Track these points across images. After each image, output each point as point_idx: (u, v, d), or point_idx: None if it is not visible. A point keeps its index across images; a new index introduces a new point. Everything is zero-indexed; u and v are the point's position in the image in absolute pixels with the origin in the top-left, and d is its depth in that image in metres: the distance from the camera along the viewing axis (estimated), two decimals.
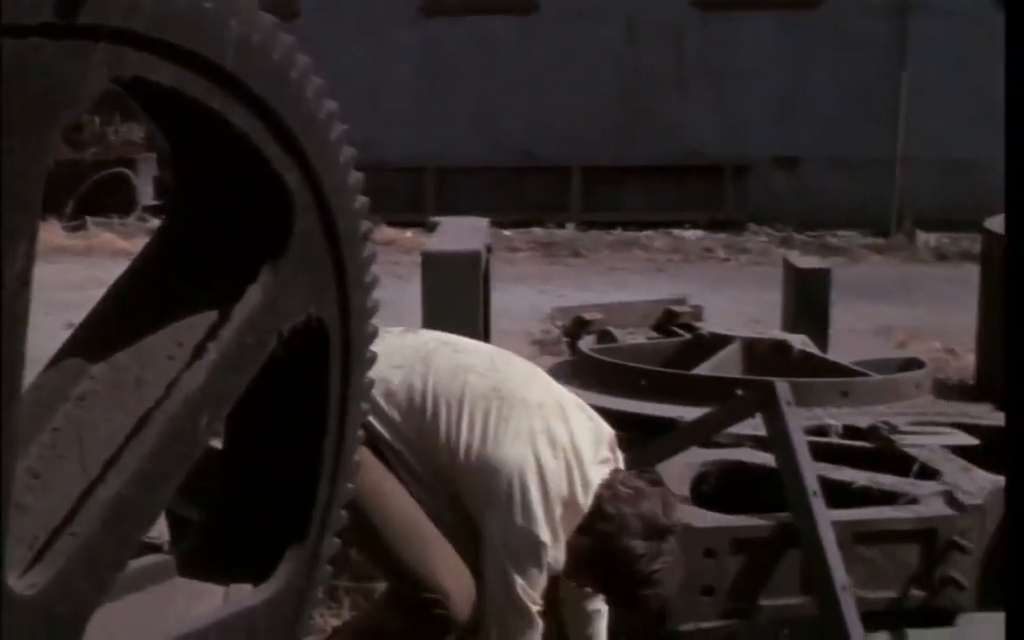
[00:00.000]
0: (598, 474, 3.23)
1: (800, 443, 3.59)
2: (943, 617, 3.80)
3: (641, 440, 4.68)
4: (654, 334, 7.31)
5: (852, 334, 8.75)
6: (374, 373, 2.61)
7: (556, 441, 3.18)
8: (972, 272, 7.33)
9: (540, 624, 3.14)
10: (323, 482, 2.07)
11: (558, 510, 3.11)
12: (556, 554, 3.14)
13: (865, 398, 5.44)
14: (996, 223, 7.04)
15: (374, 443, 3.12)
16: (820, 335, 7.13)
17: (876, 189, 14.52)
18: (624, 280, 11.44)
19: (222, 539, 2.12)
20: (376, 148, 13.93)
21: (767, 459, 3.89)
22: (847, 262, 12.97)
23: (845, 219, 14.55)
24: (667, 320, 7.32)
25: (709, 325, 7.09)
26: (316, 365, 1.94)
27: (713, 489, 4.08)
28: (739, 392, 4.38)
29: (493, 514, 3.09)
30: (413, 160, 14.98)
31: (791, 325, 7.38)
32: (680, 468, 4.06)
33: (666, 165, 15.24)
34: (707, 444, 4.20)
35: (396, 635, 3.17)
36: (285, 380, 1.90)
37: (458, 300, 4.55)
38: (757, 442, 4.18)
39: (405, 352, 3.30)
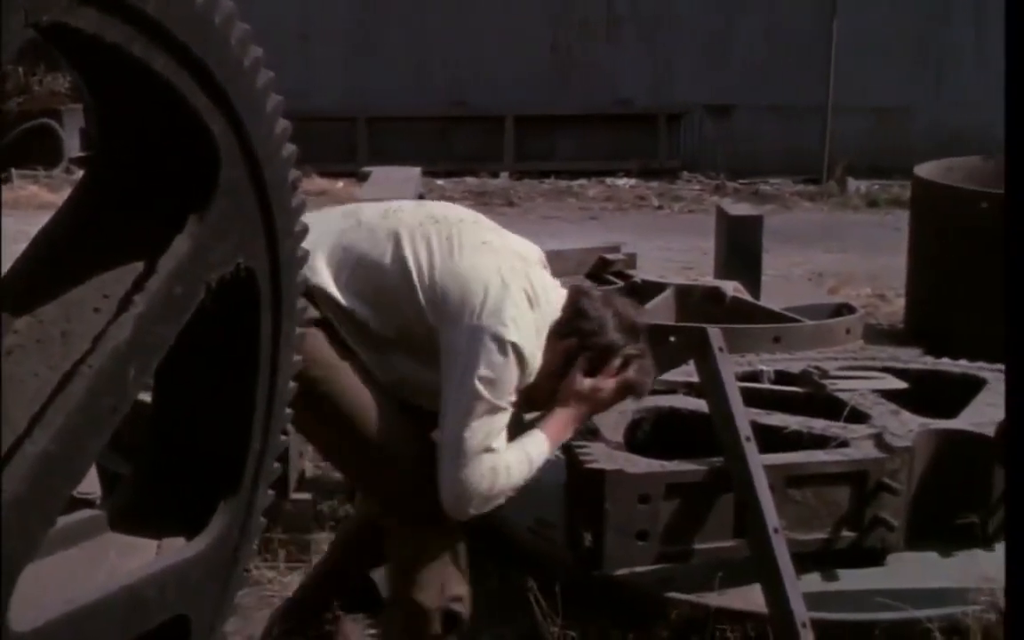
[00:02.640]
0: (554, 281, 3.33)
1: (732, 389, 3.62)
2: (873, 557, 3.86)
3: None
4: (588, 282, 7.32)
5: (784, 280, 8.83)
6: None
7: (508, 249, 3.27)
8: (902, 218, 7.44)
9: (498, 454, 3.12)
10: (256, 433, 2.06)
11: (528, 314, 3.13)
12: (529, 357, 3.12)
13: (797, 343, 5.51)
14: (925, 170, 7.13)
15: (328, 326, 3.13)
16: (753, 282, 7.19)
17: (808, 136, 14.59)
18: (558, 229, 11.43)
19: (154, 493, 2.11)
20: (306, 96, 13.79)
21: (700, 405, 3.92)
22: (779, 209, 13.06)
23: (777, 166, 14.63)
24: (601, 268, 7.33)
25: (642, 273, 7.13)
26: (246, 315, 1.92)
27: (647, 436, 4.11)
28: (672, 339, 4.40)
29: (457, 325, 3.08)
30: (344, 109, 14.84)
31: (724, 272, 7.43)
32: (614, 416, 4.07)
33: (599, 114, 15.22)
34: None
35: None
36: (215, 331, 1.89)
37: None
38: (690, 388, 4.22)
39: (330, 225, 3.26)
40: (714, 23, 15.37)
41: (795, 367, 4.69)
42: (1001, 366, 4.62)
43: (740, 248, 7.55)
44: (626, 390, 3.34)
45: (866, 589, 3.67)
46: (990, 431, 3.67)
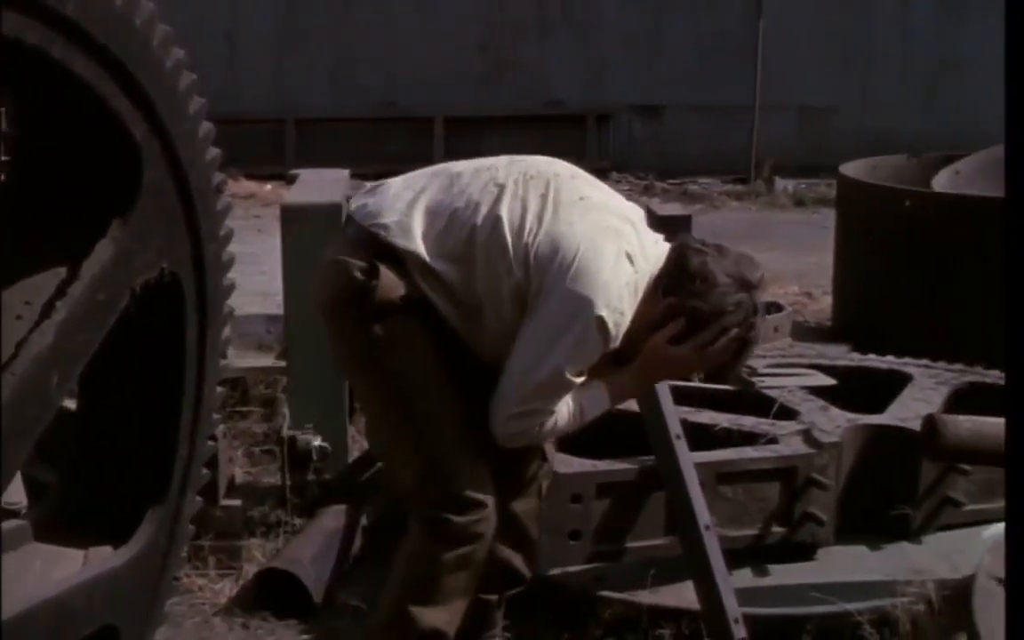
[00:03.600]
0: (655, 236, 3.09)
1: (663, 388, 3.64)
2: (803, 552, 3.90)
3: None
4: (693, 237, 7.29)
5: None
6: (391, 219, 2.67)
7: (604, 205, 3.04)
8: (829, 217, 7.50)
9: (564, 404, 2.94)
10: (182, 440, 2.04)
11: (621, 275, 2.91)
12: (614, 327, 2.89)
13: None
14: (850, 169, 7.21)
15: (415, 301, 2.93)
16: None
17: (735, 136, 14.70)
18: None
19: (80, 502, 2.08)
20: (233, 98, 13.67)
21: (631, 405, 3.93)
22: (708, 208, 13.14)
23: (705, 166, 14.72)
24: None
25: None
26: (171, 321, 1.90)
27: (579, 436, 4.11)
28: None
29: (547, 286, 2.88)
30: (272, 111, 14.72)
31: None
32: None
33: (529, 114, 15.24)
34: None
35: (444, 563, 3.01)
36: (140, 337, 1.86)
37: (319, 253, 4.48)
38: None
39: (419, 185, 3.08)
40: (643, 24, 15.44)
41: None
42: (926, 361, 4.69)
43: None
44: (708, 359, 3.05)
45: (797, 583, 3.70)
46: (916, 425, 3.72)
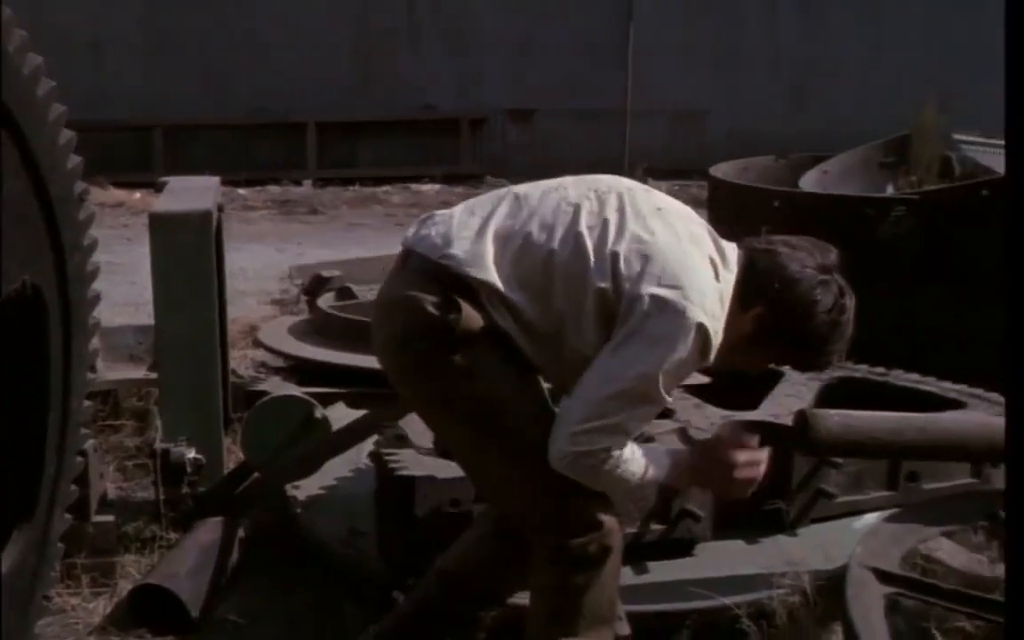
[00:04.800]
0: (731, 244, 2.96)
1: None
2: (682, 548, 3.93)
3: (384, 395, 4.67)
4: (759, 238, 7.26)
5: (401, 239, 8.85)
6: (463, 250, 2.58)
7: (684, 215, 2.96)
8: (702, 217, 7.58)
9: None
10: (49, 456, 1.98)
11: (713, 284, 2.82)
12: (713, 336, 2.79)
13: None
14: (721, 170, 7.31)
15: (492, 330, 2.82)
16: None
17: (608, 140, 14.84)
18: (363, 236, 11.36)
19: None
20: (100, 105, 13.39)
21: None
22: None
23: (579, 170, 14.69)
24: None
25: None
26: (34, 334, 1.84)
27: None
28: None
29: (637, 295, 2.75)
30: (140, 117, 14.44)
31: None
32: (421, 423, 4.06)
33: (402, 119, 15.20)
34: None
35: (575, 588, 2.92)
36: (1, 351, 1.81)
37: (189, 261, 4.42)
38: None
39: (484, 211, 2.95)
40: (515, 29, 15.50)
41: None
42: None
43: None
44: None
45: (676, 579, 3.73)
46: (789, 420, 3.77)
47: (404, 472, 3.59)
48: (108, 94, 14.02)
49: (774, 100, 15.35)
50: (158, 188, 5.14)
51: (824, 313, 2.87)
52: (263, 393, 4.88)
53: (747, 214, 6.54)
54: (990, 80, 15.56)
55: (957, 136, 7.33)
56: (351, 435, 4.23)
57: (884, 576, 3.42)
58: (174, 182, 5.21)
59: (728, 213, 6.88)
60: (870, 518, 4.13)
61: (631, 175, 12.55)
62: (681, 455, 3.00)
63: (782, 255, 2.89)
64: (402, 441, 3.83)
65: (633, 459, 2.83)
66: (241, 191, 13.42)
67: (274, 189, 14.13)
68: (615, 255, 2.80)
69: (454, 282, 2.82)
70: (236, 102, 14.71)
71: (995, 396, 4.39)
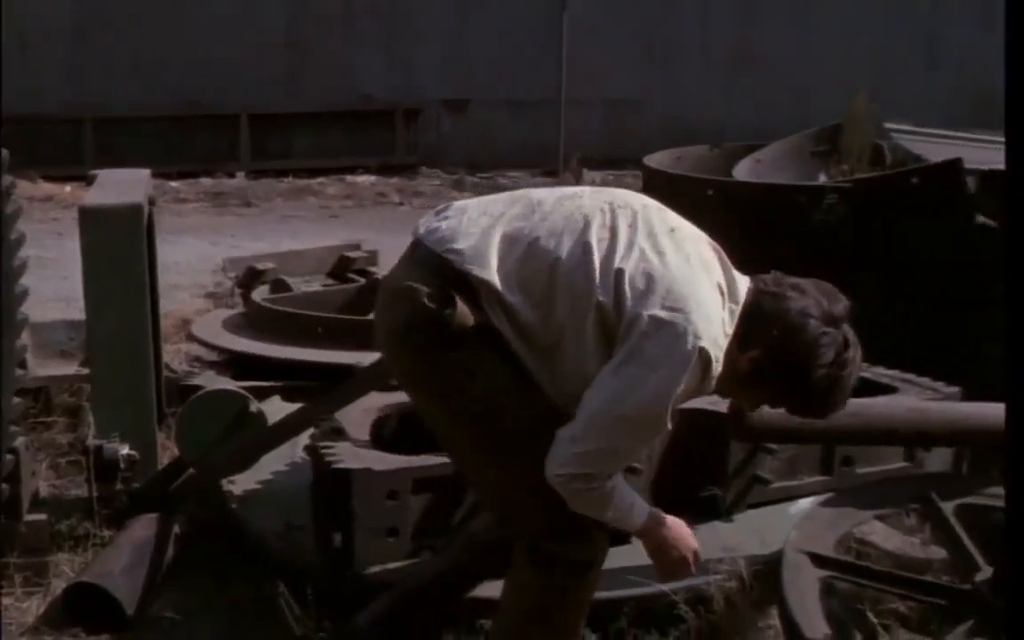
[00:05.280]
0: (743, 277, 2.91)
1: None
2: (619, 536, 3.94)
3: (320, 388, 4.65)
4: (329, 281, 7.26)
5: (411, 227, 8.88)
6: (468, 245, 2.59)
7: (697, 237, 2.93)
8: None
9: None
10: None
11: (718, 311, 2.78)
12: (714, 361, 2.75)
13: None
14: (655, 160, 7.33)
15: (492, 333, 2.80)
16: None
17: (543, 129, 14.84)
18: (298, 228, 11.28)
19: None
20: (29, 98, 13.18)
21: None
22: None
23: (514, 160, 14.84)
24: (342, 266, 7.28)
25: (384, 269, 7.09)
26: None
27: (393, 432, 4.10)
28: None
29: (640, 315, 2.71)
30: (70, 110, 14.24)
31: None
32: (359, 414, 4.06)
33: (336, 110, 15.11)
34: (386, 388, 4.21)
35: (555, 591, 2.93)
36: None
37: (120, 255, 4.37)
38: None
39: (495, 211, 2.93)
40: (450, 18, 15.47)
41: None
42: None
43: None
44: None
45: (614, 567, 3.74)
46: (724, 408, 3.80)
47: (340, 465, 3.57)
48: (37, 87, 13.81)
49: (708, 90, 15.44)
50: (88, 181, 5.08)
51: (822, 367, 2.80)
52: (197, 387, 4.85)
53: (681, 203, 6.56)
54: (920, 70, 15.77)
55: (888, 125, 7.41)
56: (287, 429, 4.21)
57: (819, 560, 3.46)
58: (104, 175, 5.14)
59: (662, 202, 6.92)
60: (805, 503, 4.17)
61: (566, 165, 12.56)
62: (655, 517, 2.97)
63: (788, 300, 2.82)
64: (338, 434, 3.81)
65: (619, 492, 2.83)
66: (173, 184, 13.29)
67: (207, 182, 14.00)
68: (620, 272, 2.77)
69: (455, 277, 2.80)
70: (168, 94, 14.55)
71: (925, 381, 4.46)
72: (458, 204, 3.01)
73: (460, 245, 2.83)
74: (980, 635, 3.30)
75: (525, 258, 2.82)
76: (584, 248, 2.80)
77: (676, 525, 3.00)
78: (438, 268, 2.83)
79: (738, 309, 2.83)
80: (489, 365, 2.82)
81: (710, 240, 2.96)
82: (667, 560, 2.98)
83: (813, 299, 2.82)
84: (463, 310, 2.76)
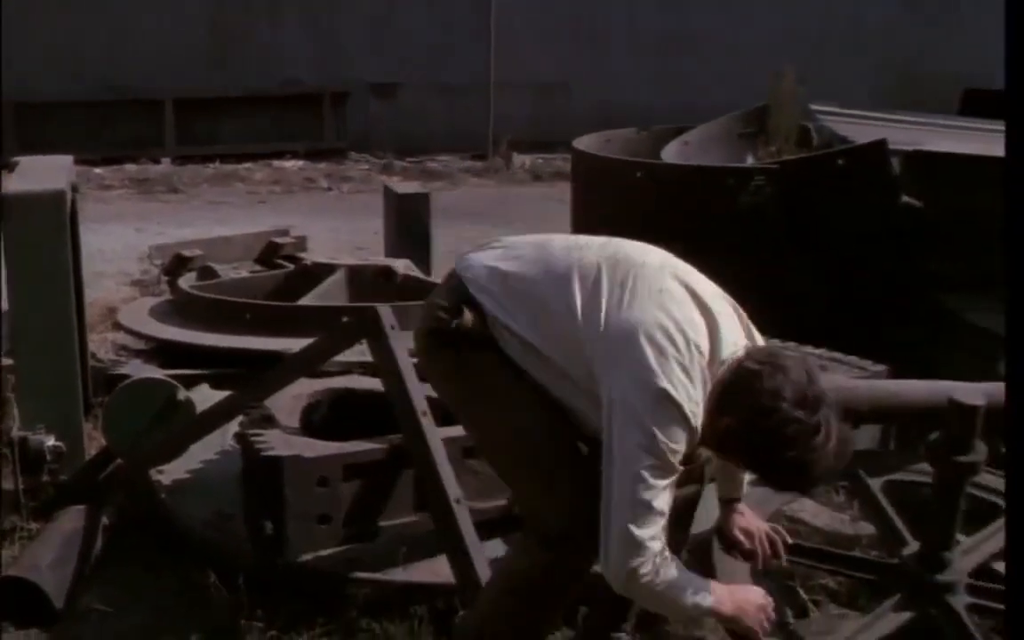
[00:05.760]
0: (731, 342, 2.93)
1: (406, 365, 3.63)
2: None
3: (248, 375, 4.62)
4: (258, 267, 7.22)
5: (455, 255, 8.90)
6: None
7: (687, 300, 2.93)
8: (566, 190, 7.62)
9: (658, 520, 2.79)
10: None
11: (685, 378, 2.80)
12: (691, 416, 2.79)
13: None
14: (583, 143, 7.35)
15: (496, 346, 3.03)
16: (423, 258, 7.26)
17: (472, 113, 14.85)
18: (226, 214, 11.19)
19: None
20: None
21: (376, 384, 3.91)
22: (448, 186, 13.22)
23: (444, 144, 14.82)
24: (270, 252, 7.24)
25: (313, 255, 7.08)
26: None
27: (324, 418, 4.08)
28: (344, 320, 4.37)
29: (617, 377, 2.82)
30: None
31: (395, 250, 7.48)
32: (289, 400, 4.03)
33: (263, 95, 14.99)
34: (316, 374, 4.18)
35: (539, 569, 3.01)
36: None
37: (43, 243, 4.30)
38: (366, 368, 4.21)
39: (514, 252, 3.15)
40: (378, 2, 15.39)
41: None
42: None
43: (409, 226, 7.61)
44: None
45: None
46: None
47: (271, 452, 3.55)
48: None
49: (636, 73, 15.50)
50: (9, 168, 4.99)
51: (788, 453, 2.78)
52: (124, 376, 4.79)
53: (610, 186, 6.60)
54: (846, 53, 15.93)
55: (814, 106, 7.48)
56: (216, 417, 4.16)
57: None
58: (26, 162, 5.06)
59: (591, 185, 6.94)
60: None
61: (496, 149, 12.55)
62: (732, 590, 3.01)
63: (764, 378, 2.80)
64: (268, 421, 3.79)
65: (681, 576, 2.87)
66: (97, 170, 13.12)
67: (131, 168, 13.85)
68: (597, 334, 2.88)
69: (467, 296, 3.08)
70: (91, 79, 14.35)
71: (853, 359, 4.51)
72: (496, 240, 3.26)
73: (472, 273, 3.12)
74: (907, 608, 3.35)
75: (519, 301, 3.04)
76: (568, 305, 2.95)
77: (739, 591, 3.03)
78: (456, 288, 3.12)
79: (720, 371, 2.87)
80: (489, 364, 3.04)
81: (706, 303, 2.97)
82: (741, 628, 3.01)
83: (791, 381, 2.79)
84: (468, 319, 3.04)
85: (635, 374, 2.79)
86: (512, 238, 3.25)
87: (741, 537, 3.32)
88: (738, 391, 2.81)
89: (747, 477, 3.33)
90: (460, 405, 3.21)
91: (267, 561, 3.62)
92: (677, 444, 2.79)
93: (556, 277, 3.01)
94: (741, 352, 2.90)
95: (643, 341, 2.81)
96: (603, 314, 2.90)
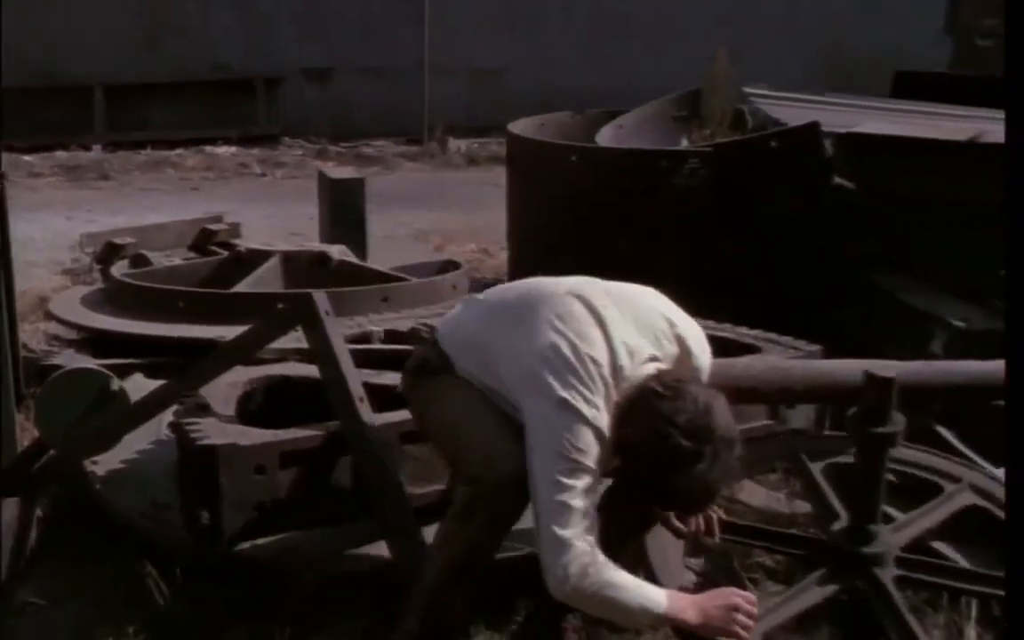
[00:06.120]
0: (641, 364, 3.08)
1: (342, 351, 3.62)
2: None
3: (184, 364, 4.57)
4: (191, 254, 7.15)
5: (390, 240, 8.92)
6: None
7: (584, 317, 3.10)
8: (502, 175, 7.62)
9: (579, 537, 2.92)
10: None
11: (592, 372, 3.00)
12: (603, 428, 2.98)
13: (405, 302, 5.57)
14: (518, 127, 7.35)
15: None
16: (359, 244, 7.23)
17: (407, 98, 14.78)
18: (158, 201, 11.07)
19: None
20: None
21: (313, 371, 3.89)
22: (383, 171, 13.17)
23: (378, 129, 14.75)
24: (204, 239, 7.17)
25: (247, 242, 7.02)
26: None
27: (260, 406, 4.05)
28: (280, 306, 4.34)
29: (527, 402, 3.05)
30: None
31: (330, 236, 7.44)
32: (225, 388, 4.00)
33: (195, 80, 14.83)
34: (251, 362, 4.15)
35: (462, 506, 3.15)
36: None
37: None
38: (303, 355, 4.18)
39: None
40: None
41: (404, 325, 4.75)
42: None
43: (344, 211, 7.57)
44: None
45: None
46: None
47: (206, 441, 3.52)
48: None
49: (571, 56, 15.51)
50: None
51: (673, 477, 2.92)
52: (56, 367, 4.74)
53: (545, 169, 6.61)
54: (780, 36, 16.04)
55: (748, 89, 7.53)
56: (150, 406, 4.12)
57: None
58: None
59: (527, 169, 6.95)
60: None
61: (431, 134, 12.51)
62: (683, 598, 3.04)
63: (663, 401, 2.95)
64: (203, 410, 3.75)
65: (623, 578, 2.95)
66: (26, 158, 12.94)
67: (61, 155, 13.66)
68: (518, 369, 3.11)
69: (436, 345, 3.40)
70: (18, 65, 14.10)
71: (787, 340, 4.55)
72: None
73: (443, 330, 3.45)
74: (832, 582, 3.40)
75: (468, 352, 3.31)
76: (498, 349, 3.19)
77: (705, 596, 3.06)
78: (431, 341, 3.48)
79: (626, 386, 3.04)
80: (448, 378, 3.32)
81: (652, 306, 3.26)
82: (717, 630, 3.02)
83: (687, 411, 2.92)
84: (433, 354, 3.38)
85: (539, 393, 3.00)
86: (498, 287, 3.60)
87: (674, 516, 3.38)
88: (639, 409, 2.97)
89: None
90: (423, 409, 3.43)
91: (204, 551, 3.59)
92: (583, 445, 2.94)
93: (495, 326, 3.26)
94: (653, 371, 3.07)
95: (541, 364, 3.02)
96: (517, 350, 3.12)
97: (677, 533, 3.43)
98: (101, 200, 11.31)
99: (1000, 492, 3.65)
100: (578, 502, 2.91)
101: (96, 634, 3.53)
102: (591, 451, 2.95)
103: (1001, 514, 3.59)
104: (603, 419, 2.98)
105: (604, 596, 2.92)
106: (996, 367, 3.57)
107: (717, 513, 3.46)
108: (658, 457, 2.91)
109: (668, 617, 2.96)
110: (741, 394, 3.84)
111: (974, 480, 3.78)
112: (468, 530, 3.14)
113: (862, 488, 3.49)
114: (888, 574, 3.37)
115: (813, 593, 3.39)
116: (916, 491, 3.79)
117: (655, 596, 2.96)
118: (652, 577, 3.22)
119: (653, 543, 3.43)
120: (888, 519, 3.63)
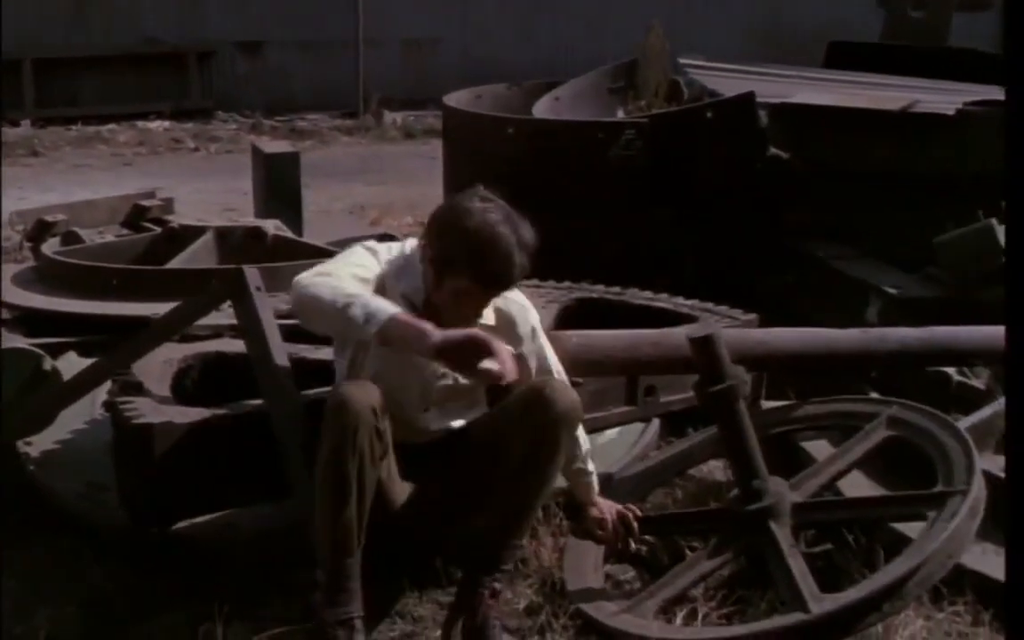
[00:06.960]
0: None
1: (271, 326, 3.58)
2: None
3: (117, 341, 4.52)
4: (124, 231, 7.07)
5: (326, 215, 8.87)
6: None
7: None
8: (438, 147, 7.60)
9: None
10: None
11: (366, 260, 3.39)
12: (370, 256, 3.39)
13: None
14: (454, 99, 7.32)
15: None
16: (294, 218, 7.18)
17: (342, 71, 14.68)
18: (89, 178, 10.93)
19: None
20: None
21: (239, 346, 3.87)
22: (318, 145, 13.09)
23: (313, 102, 14.65)
24: (136, 215, 7.09)
25: (181, 217, 6.95)
26: None
27: (195, 384, 4.01)
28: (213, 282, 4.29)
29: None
30: None
31: (264, 211, 7.38)
32: (159, 366, 3.95)
33: (125, 54, 14.64)
34: (185, 338, 4.11)
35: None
36: None
37: None
38: (237, 331, 4.14)
39: None
40: None
41: None
42: (535, 281, 4.83)
43: (279, 186, 7.51)
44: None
45: None
46: None
47: (141, 420, 3.48)
48: None
49: (506, 28, 15.49)
50: None
51: (472, 222, 3.20)
52: None
53: (482, 141, 6.59)
54: (714, 6, 16.09)
55: (683, 60, 7.55)
56: (83, 385, 4.07)
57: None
58: None
59: (463, 141, 6.92)
60: (612, 433, 4.26)
61: (366, 107, 12.43)
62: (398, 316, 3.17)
63: (460, 198, 3.32)
64: (137, 389, 3.71)
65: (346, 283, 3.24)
66: None
67: None
68: None
69: None
70: None
71: (723, 309, 4.57)
72: None
73: None
74: (728, 546, 3.44)
75: None
76: None
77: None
78: None
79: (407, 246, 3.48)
80: None
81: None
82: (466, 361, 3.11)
83: (479, 198, 3.28)
84: None
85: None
86: None
87: (595, 528, 3.58)
88: (441, 208, 3.39)
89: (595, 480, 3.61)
90: None
91: (141, 530, 3.56)
92: (357, 257, 3.38)
93: None
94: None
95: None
96: None
97: (597, 539, 3.57)
98: (31, 177, 11.14)
99: (918, 420, 3.65)
100: (346, 270, 3.27)
101: (33, 615, 3.48)
102: (364, 265, 3.33)
103: (918, 441, 3.60)
104: (376, 270, 3.35)
105: (322, 284, 3.21)
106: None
107: (633, 511, 3.59)
108: (455, 214, 3.25)
109: (396, 322, 3.09)
110: (678, 364, 3.88)
111: (892, 413, 3.76)
112: (325, 441, 3.14)
113: (732, 449, 3.55)
114: (783, 526, 3.38)
115: (710, 562, 3.43)
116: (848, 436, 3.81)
117: (380, 303, 3.15)
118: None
119: (571, 552, 3.48)
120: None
